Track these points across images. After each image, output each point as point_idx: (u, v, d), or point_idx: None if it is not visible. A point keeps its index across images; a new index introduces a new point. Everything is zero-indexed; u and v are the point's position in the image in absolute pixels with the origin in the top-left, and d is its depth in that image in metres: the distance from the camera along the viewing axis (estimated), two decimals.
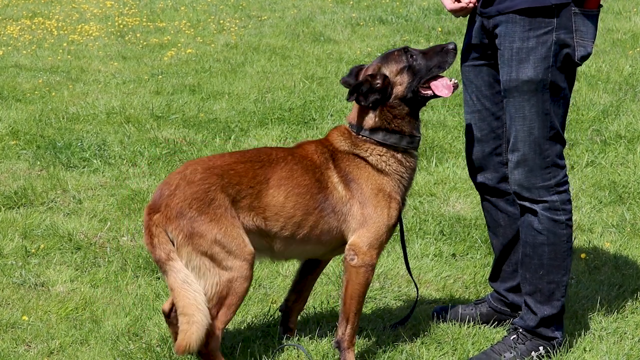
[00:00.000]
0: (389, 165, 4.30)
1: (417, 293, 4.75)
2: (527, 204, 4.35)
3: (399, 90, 4.27)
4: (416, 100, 4.31)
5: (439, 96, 4.30)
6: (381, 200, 4.25)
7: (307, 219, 4.21)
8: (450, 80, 4.29)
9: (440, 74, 4.31)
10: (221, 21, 13.04)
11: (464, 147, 4.89)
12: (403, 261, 5.48)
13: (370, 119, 4.30)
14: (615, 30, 11.49)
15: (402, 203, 4.37)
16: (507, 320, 4.79)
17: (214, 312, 4.05)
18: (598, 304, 4.91)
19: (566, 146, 7.36)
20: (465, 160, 4.77)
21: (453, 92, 4.32)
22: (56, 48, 11.63)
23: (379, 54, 4.88)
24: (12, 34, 12.34)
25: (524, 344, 4.45)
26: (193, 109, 8.67)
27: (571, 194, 6.32)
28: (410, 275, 4.68)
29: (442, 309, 4.85)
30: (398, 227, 4.44)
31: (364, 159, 4.29)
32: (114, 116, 8.45)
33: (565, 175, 4.36)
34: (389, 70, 4.28)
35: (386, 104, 4.27)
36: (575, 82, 9.12)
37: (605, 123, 7.92)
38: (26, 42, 11.95)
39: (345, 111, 8.46)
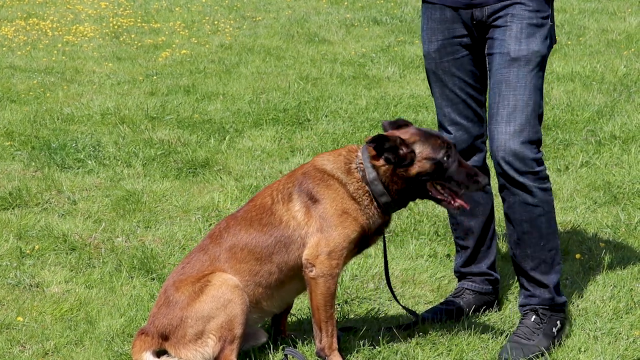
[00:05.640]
0: (363, 200, 4.25)
1: (416, 316, 4.71)
2: (518, 177, 4.43)
3: (412, 171, 4.18)
4: (416, 189, 4.25)
5: (442, 203, 4.27)
6: (344, 220, 4.21)
7: (267, 268, 4.24)
8: (466, 204, 4.26)
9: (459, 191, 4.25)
10: (216, 22, 13.04)
11: None
12: (398, 262, 5.49)
13: (381, 169, 4.21)
14: (609, 31, 11.50)
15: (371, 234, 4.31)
16: (491, 303, 4.90)
17: None
18: (593, 305, 4.92)
19: (560, 146, 7.42)
20: None
21: (457, 212, 4.48)
22: (51, 49, 11.61)
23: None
24: (7, 34, 12.32)
25: (546, 322, 4.53)
26: (188, 109, 8.67)
27: (565, 195, 6.37)
28: (396, 299, 4.68)
29: (431, 312, 4.85)
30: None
31: (342, 184, 4.24)
32: (108, 117, 8.44)
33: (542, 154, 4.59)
34: (419, 150, 4.18)
35: (396, 170, 4.18)
36: (570, 83, 9.21)
37: (600, 123, 7.93)
38: (21, 43, 11.93)
39: (339, 112, 8.46)
